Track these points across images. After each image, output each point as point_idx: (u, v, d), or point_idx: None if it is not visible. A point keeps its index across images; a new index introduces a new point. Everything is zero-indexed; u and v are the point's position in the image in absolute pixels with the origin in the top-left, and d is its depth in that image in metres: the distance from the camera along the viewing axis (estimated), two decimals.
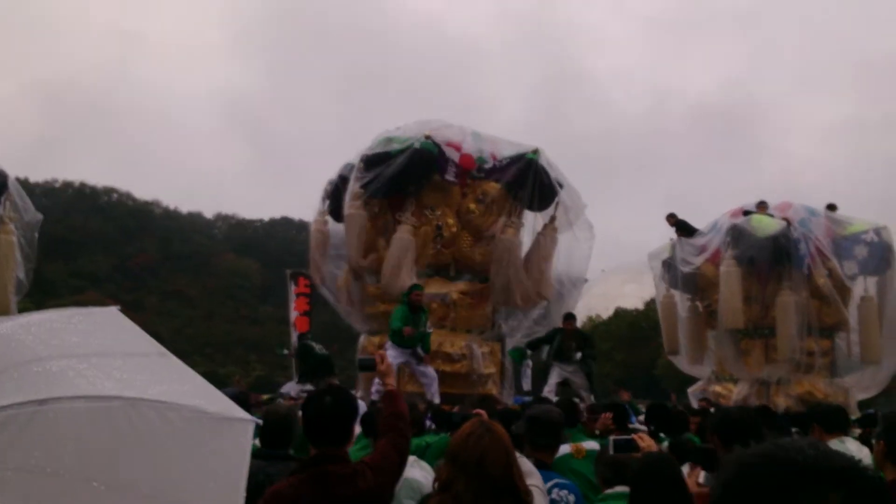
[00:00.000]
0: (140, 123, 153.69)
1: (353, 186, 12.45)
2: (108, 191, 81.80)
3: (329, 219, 13.93)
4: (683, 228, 16.10)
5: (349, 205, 12.42)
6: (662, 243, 16.98)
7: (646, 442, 4.04)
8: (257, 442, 5.29)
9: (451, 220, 12.56)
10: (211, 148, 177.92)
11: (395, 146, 12.31)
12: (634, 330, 36.50)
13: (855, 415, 13.83)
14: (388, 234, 12.73)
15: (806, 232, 14.71)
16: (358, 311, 13.76)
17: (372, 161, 12.39)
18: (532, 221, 13.45)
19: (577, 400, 8.68)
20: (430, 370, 11.20)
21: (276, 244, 77.72)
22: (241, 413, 3.06)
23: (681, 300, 16.70)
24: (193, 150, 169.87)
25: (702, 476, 3.82)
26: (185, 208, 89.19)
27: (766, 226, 14.81)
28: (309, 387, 13.00)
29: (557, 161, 13.21)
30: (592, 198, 13.41)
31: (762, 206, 15.56)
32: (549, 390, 11.90)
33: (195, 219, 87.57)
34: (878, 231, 15.07)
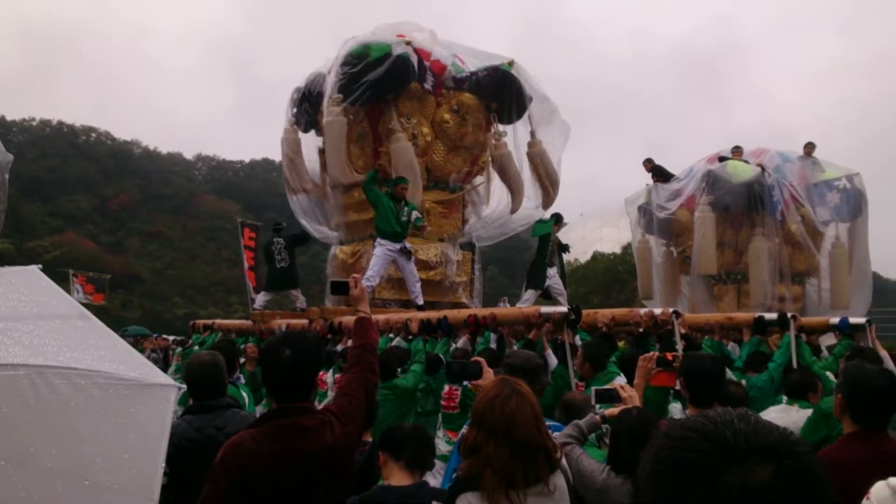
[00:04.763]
0: (119, 62, 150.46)
1: (331, 92, 12.31)
2: (87, 130, 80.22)
3: (297, 128, 13.93)
4: (660, 174, 16.14)
5: (328, 111, 12.22)
6: (639, 188, 17.04)
7: (627, 392, 3.97)
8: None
9: (425, 130, 12.60)
10: (191, 88, 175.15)
11: (374, 46, 12.17)
12: (611, 274, 36.70)
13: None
14: (364, 142, 12.79)
15: (780, 178, 14.80)
16: (328, 222, 13.93)
17: (349, 61, 12.23)
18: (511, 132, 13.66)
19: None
20: (415, 271, 11.17)
21: (257, 186, 77.16)
22: (161, 378, 2.94)
23: (656, 245, 16.83)
24: (173, 90, 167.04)
25: None
26: (164, 149, 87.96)
27: (741, 172, 14.88)
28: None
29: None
30: (571, 140, 13.53)
31: (737, 152, 15.62)
32: (527, 299, 11.96)
33: (175, 160, 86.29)
34: (850, 178, 15.18)
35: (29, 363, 2.61)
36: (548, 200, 13.38)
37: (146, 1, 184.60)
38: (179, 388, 3.09)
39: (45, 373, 2.61)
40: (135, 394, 2.79)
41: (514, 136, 13.53)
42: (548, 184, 13.33)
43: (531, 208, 13.64)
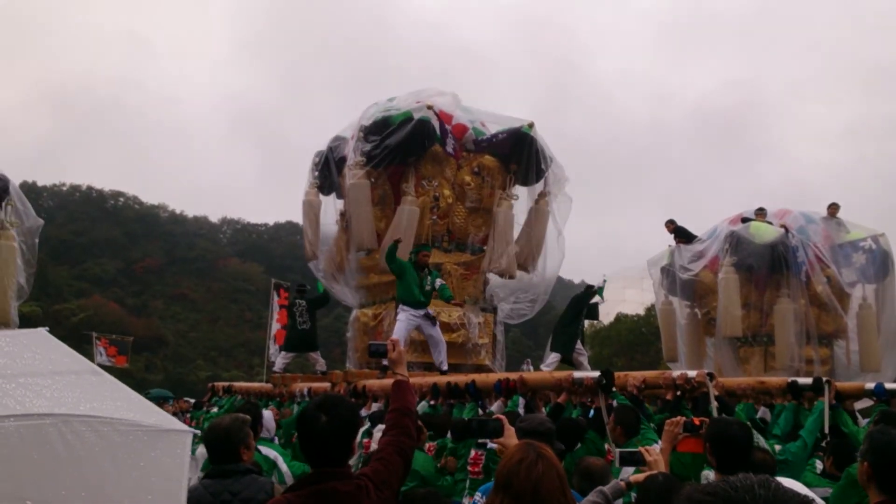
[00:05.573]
0: (148, 128, 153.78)
1: (353, 156, 12.55)
2: (115, 195, 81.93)
3: (319, 191, 14.09)
4: (682, 235, 16.09)
5: (352, 174, 12.46)
6: (661, 249, 16.99)
7: (653, 455, 3.92)
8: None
9: (447, 192, 12.82)
10: (217, 152, 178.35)
11: (395, 115, 12.43)
12: (635, 336, 36.46)
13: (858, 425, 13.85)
14: (385, 204, 12.93)
15: (804, 239, 14.70)
16: (349, 284, 13.91)
17: (371, 130, 12.51)
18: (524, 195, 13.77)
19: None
20: (440, 336, 11.18)
21: (281, 249, 77.89)
22: (177, 424, 3.10)
23: (679, 307, 16.66)
24: (200, 154, 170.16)
25: None
26: (190, 212, 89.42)
27: (765, 233, 14.80)
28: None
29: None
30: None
31: (761, 214, 15.56)
32: (551, 362, 11.93)
33: (201, 223, 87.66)
34: (875, 238, 15.03)
35: (54, 412, 2.73)
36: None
37: (174, 68, 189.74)
38: (195, 433, 3.24)
39: (71, 421, 2.73)
40: (154, 439, 2.92)
41: (530, 199, 13.66)
42: (528, 247, 13.38)
43: (553, 269, 13.70)
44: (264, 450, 6.02)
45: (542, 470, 2.72)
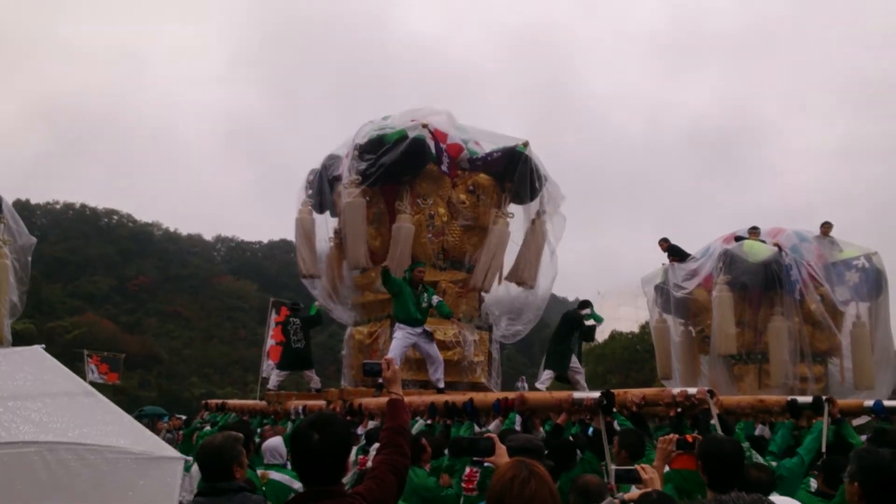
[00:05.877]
0: (141, 145, 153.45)
1: (348, 174, 12.56)
2: (109, 212, 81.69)
3: (312, 209, 14.10)
4: (676, 253, 16.15)
5: (347, 193, 12.47)
6: (656, 267, 17.03)
7: (648, 473, 3.87)
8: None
9: (442, 210, 12.81)
10: (212, 170, 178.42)
11: (389, 133, 12.45)
12: (629, 353, 36.44)
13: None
14: (380, 223, 12.95)
15: (797, 258, 14.77)
16: (344, 303, 13.91)
17: (366, 149, 12.53)
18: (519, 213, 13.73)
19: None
20: (437, 353, 11.16)
21: (275, 266, 77.81)
22: (169, 451, 3.04)
23: (674, 325, 16.68)
24: (194, 172, 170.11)
25: None
26: (184, 230, 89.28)
27: (758, 251, 14.87)
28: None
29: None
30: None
31: (754, 232, 15.64)
32: (545, 379, 11.94)
33: (195, 241, 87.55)
34: (868, 257, 15.11)
35: (39, 440, 2.69)
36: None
37: (168, 85, 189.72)
38: (185, 460, 3.21)
39: (56, 448, 2.69)
40: (143, 467, 2.88)
41: (525, 217, 13.66)
42: (524, 265, 13.41)
43: (546, 286, 13.72)
44: (278, 476, 5.95)
45: (535, 487, 2.70)
